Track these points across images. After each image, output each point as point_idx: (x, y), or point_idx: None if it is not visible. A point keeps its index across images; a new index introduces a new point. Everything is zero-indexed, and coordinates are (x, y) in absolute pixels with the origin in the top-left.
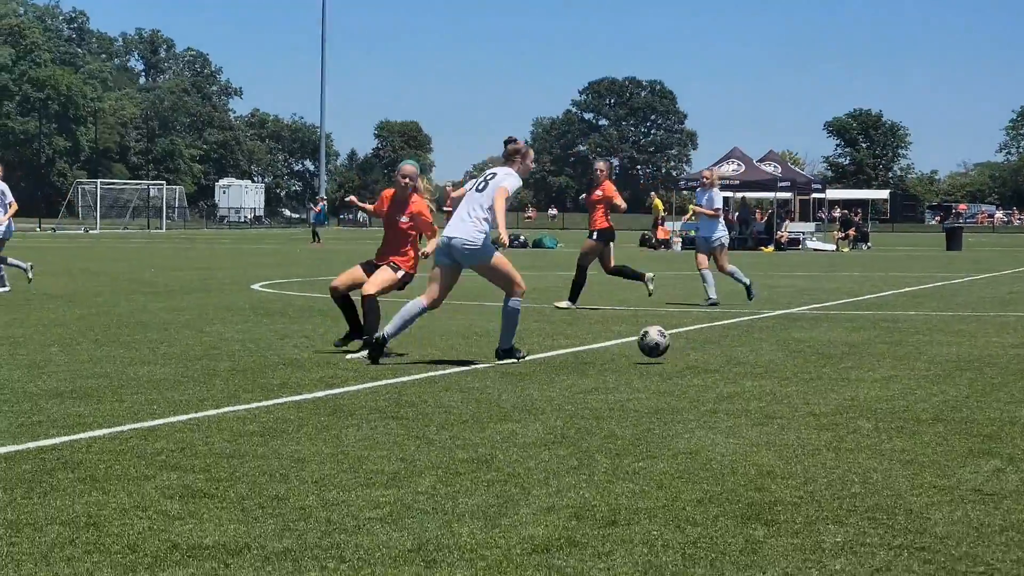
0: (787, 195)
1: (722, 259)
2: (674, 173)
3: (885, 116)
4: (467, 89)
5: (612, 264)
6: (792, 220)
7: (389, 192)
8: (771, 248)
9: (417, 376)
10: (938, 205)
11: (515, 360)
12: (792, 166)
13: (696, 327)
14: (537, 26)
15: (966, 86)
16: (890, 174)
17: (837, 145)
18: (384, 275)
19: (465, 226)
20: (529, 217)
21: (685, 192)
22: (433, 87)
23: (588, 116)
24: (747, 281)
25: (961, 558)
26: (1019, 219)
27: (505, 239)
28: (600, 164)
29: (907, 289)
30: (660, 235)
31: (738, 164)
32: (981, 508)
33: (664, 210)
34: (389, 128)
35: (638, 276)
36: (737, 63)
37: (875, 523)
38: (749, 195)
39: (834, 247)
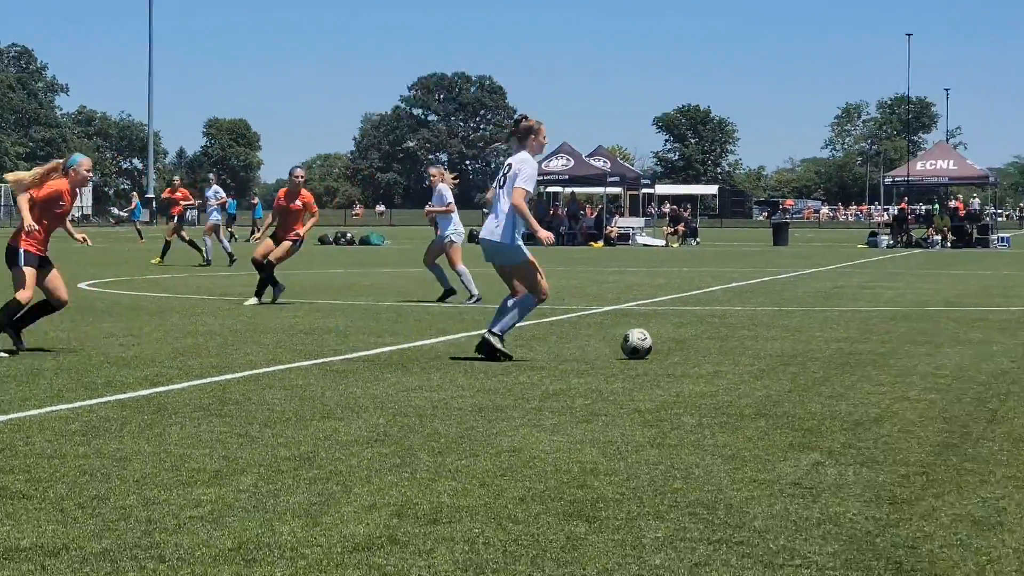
0: (617, 190)
1: (453, 256)
2: None
3: (713, 112)
4: (296, 86)
5: (271, 260)
6: (622, 215)
7: (62, 184)
8: (601, 243)
9: (241, 374)
10: (766, 200)
11: (495, 353)
12: (621, 161)
13: (523, 324)
14: (365, 21)
15: (793, 83)
16: (719, 170)
17: (666, 140)
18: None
19: (490, 225)
20: (356, 214)
21: None
22: (261, 84)
23: (417, 112)
24: (476, 292)
25: (779, 551)
26: (844, 214)
27: (544, 236)
28: (298, 171)
29: (734, 285)
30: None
31: (567, 159)
32: (800, 502)
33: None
34: (218, 126)
35: (268, 285)
36: (567, 58)
37: (695, 518)
38: (579, 190)
39: (663, 242)
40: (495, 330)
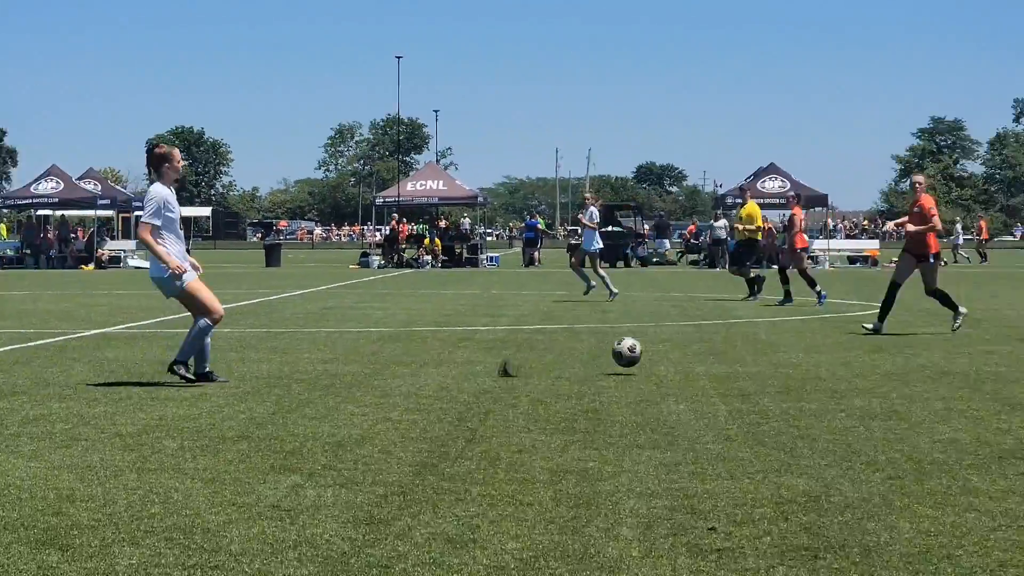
0: (109, 213)
1: None
2: None
3: (207, 134)
4: None
5: None
6: (114, 238)
7: None
8: (92, 266)
9: None
10: (259, 222)
11: (181, 377)
12: (113, 184)
13: (7, 348)
14: None
15: (287, 104)
16: (212, 191)
17: None
18: None
19: (150, 263)
20: None
21: (4, 211)
22: None
23: None
24: None
25: (254, 574)
26: (338, 235)
27: (174, 267)
28: None
29: (224, 307)
30: None
31: (56, 182)
32: (277, 524)
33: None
34: None
35: None
36: (55, 78)
37: (171, 543)
38: (69, 213)
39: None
40: (178, 359)
